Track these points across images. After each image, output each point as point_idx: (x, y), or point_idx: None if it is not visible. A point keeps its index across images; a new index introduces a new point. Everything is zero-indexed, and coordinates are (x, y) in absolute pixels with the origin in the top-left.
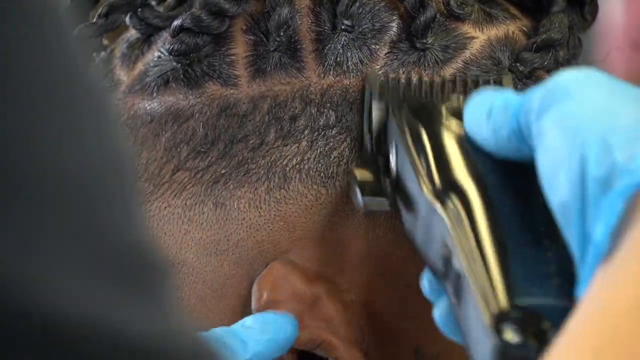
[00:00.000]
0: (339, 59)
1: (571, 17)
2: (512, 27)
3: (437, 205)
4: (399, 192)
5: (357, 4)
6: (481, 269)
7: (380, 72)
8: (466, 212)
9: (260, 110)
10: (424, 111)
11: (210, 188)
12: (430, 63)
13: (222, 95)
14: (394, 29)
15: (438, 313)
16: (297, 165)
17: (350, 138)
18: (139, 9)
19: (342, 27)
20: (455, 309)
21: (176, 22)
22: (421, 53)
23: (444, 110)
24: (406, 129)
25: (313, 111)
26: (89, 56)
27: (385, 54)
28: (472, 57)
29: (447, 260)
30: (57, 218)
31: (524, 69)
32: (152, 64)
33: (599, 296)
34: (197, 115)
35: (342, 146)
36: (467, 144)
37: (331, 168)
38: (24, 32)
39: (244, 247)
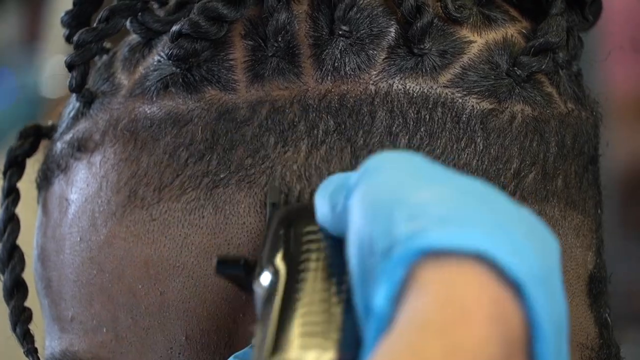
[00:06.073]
0: (336, 64)
1: (571, 19)
2: (511, 30)
3: (257, 284)
4: None
5: (355, 9)
6: (260, 334)
7: (280, 186)
8: (275, 283)
9: (259, 115)
10: (291, 213)
11: (210, 192)
12: (427, 69)
13: (221, 100)
14: (392, 34)
15: None
16: (297, 171)
17: (350, 145)
18: (139, 14)
19: (340, 32)
20: None
21: (175, 28)
22: (419, 58)
23: (308, 207)
24: (269, 231)
25: (312, 117)
26: None
27: (383, 59)
28: (469, 62)
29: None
30: None
31: (521, 73)
32: (152, 68)
33: None
34: (196, 119)
35: (343, 153)
36: (318, 228)
37: (331, 174)
38: None
39: (245, 252)
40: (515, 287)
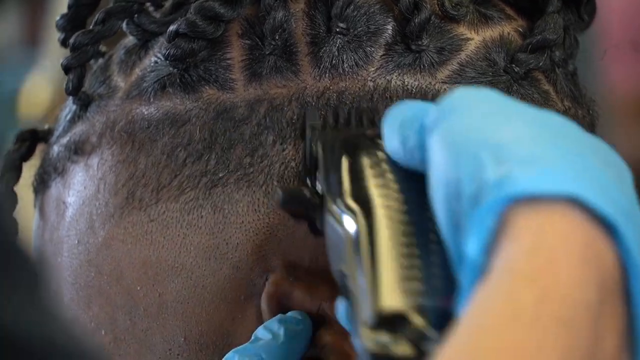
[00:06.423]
0: (334, 61)
1: (567, 17)
2: (507, 28)
3: (334, 221)
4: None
5: (352, 6)
6: (358, 277)
7: (318, 112)
8: (358, 227)
9: (257, 114)
10: (348, 141)
11: (208, 192)
12: (425, 65)
13: (219, 99)
14: (389, 31)
15: (340, 310)
16: (295, 169)
17: None
18: (135, 15)
19: (337, 29)
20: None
21: (171, 28)
22: (416, 55)
23: (366, 136)
24: (329, 161)
25: None
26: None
27: (381, 56)
28: (467, 58)
29: (342, 274)
30: None
31: (519, 70)
32: (149, 69)
33: (471, 314)
34: (194, 119)
35: None
36: (384, 158)
37: None
38: None
39: (244, 251)
40: (606, 226)
